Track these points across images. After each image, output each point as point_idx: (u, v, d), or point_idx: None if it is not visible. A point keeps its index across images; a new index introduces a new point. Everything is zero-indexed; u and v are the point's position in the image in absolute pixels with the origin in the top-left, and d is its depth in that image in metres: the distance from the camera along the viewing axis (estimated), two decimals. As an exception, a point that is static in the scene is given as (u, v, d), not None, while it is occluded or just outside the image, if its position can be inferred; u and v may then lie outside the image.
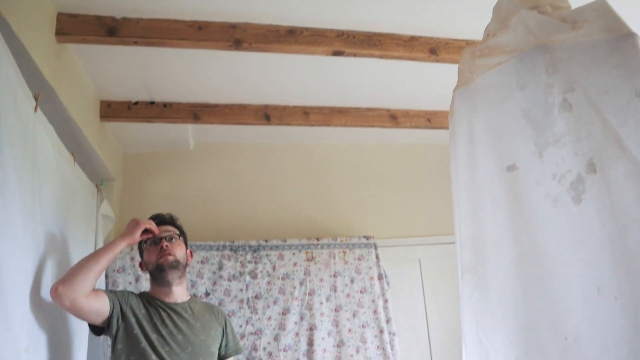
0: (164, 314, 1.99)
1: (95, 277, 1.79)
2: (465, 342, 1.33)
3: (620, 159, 1.11)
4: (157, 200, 3.54)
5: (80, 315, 1.81)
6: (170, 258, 2.02)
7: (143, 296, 2.06)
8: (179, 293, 2.08)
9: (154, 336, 1.90)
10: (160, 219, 2.16)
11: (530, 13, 1.33)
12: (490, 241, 1.28)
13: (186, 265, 2.13)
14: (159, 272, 2.02)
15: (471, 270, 1.32)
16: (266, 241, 3.35)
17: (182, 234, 2.19)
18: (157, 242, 2.07)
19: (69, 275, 1.76)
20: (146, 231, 2.04)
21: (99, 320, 1.86)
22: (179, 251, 2.08)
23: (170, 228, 2.14)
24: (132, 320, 1.91)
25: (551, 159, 1.19)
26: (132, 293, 2.04)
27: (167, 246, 2.05)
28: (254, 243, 3.32)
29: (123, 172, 3.65)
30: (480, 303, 1.29)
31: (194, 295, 2.55)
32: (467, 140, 1.38)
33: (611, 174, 1.11)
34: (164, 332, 1.93)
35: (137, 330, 1.90)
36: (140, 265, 2.17)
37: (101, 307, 1.84)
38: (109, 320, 1.87)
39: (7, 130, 1.58)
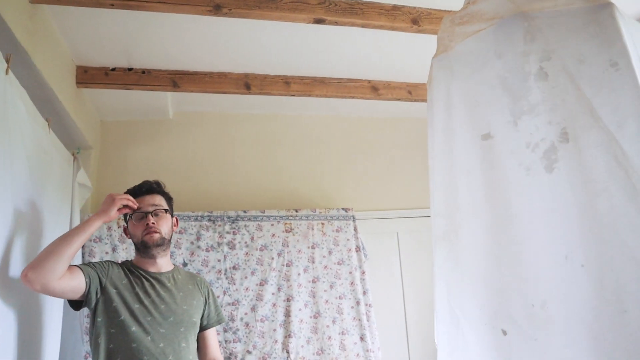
0: (147, 284, 1.98)
1: (67, 260, 1.75)
2: (437, 308, 1.35)
3: (592, 128, 1.11)
4: (135, 169, 3.50)
5: (54, 295, 1.78)
6: (156, 236, 2.01)
7: (125, 265, 2.04)
8: (163, 264, 2.07)
9: (135, 306, 1.89)
10: (148, 187, 2.11)
11: (511, -20, 1.32)
12: (463, 209, 1.29)
13: (171, 237, 2.11)
14: (144, 248, 2.01)
15: (444, 238, 1.33)
16: (245, 212, 3.34)
17: (169, 203, 2.15)
18: (143, 217, 2.03)
19: (40, 260, 1.70)
20: (125, 206, 2.01)
21: (75, 296, 1.83)
22: (165, 226, 2.05)
23: (157, 199, 2.09)
24: (112, 292, 1.89)
25: (525, 128, 1.19)
26: (113, 263, 2.01)
27: (153, 223, 2.01)
28: (232, 214, 3.31)
29: (101, 141, 3.59)
30: (451, 270, 1.31)
31: (178, 265, 2.54)
32: (444, 108, 1.38)
33: (583, 143, 1.12)
34: (146, 301, 1.91)
35: (117, 302, 1.87)
36: (125, 231, 2.13)
37: (77, 285, 1.79)
38: (86, 295, 1.83)
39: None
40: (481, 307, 1.23)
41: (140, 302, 1.91)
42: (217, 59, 2.99)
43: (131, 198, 2.00)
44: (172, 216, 2.15)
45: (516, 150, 1.20)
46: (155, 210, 2.05)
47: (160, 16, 2.49)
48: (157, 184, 2.15)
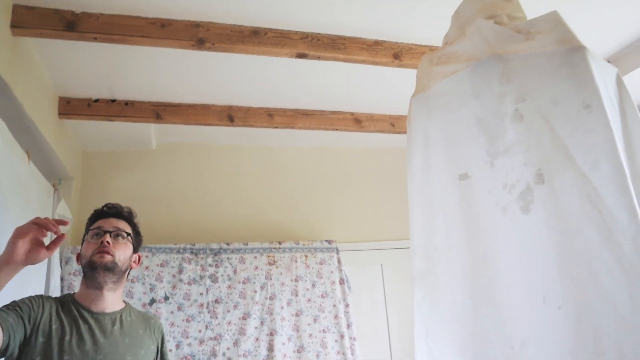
0: (83, 327, 1.65)
1: None
2: (416, 349, 1.33)
3: (567, 170, 1.12)
4: (117, 200, 3.38)
5: None
6: (108, 258, 1.70)
7: (64, 301, 1.72)
8: (111, 300, 1.74)
9: (66, 358, 1.56)
10: (115, 211, 1.85)
11: (487, 23, 1.34)
12: (441, 248, 1.29)
13: (127, 271, 1.81)
14: (90, 270, 1.69)
15: (422, 278, 1.32)
16: (228, 244, 3.31)
17: (135, 234, 1.88)
18: (99, 235, 1.74)
19: None
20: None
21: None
22: (121, 253, 1.75)
23: (122, 224, 1.82)
24: (39, 342, 1.56)
25: (502, 169, 1.20)
26: (46, 301, 1.67)
27: (108, 243, 1.72)
28: (215, 246, 3.28)
29: (82, 171, 3.56)
30: (430, 311, 1.30)
31: (131, 304, 2.06)
32: (423, 146, 1.39)
33: (558, 184, 1.13)
34: (78, 350, 1.58)
35: (41, 355, 1.55)
36: (77, 257, 1.81)
37: None
38: (4, 351, 1.49)
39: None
40: (460, 348, 1.22)
41: (71, 351, 1.57)
42: (201, 91, 3.00)
43: (50, 220, 1.53)
44: (136, 251, 1.87)
45: (493, 191, 1.20)
46: (116, 232, 1.77)
47: (143, 48, 2.49)
48: (129, 211, 1.90)
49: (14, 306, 1.56)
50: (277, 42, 2.37)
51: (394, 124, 3.39)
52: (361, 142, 3.91)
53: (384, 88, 3.09)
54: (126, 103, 3.04)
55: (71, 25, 2.25)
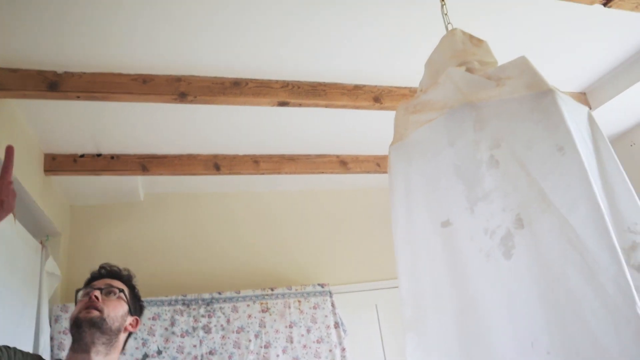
0: None
1: None
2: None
3: (545, 213, 1.14)
4: (107, 254, 3.43)
5: None
6: (94, 314, 1.52)
7: None
8: None
9: None
10: (109, 271, 1.70)
11: (458, 71, 1.38)
12: (428, 297, 1.29)
13: (120, 333, 1.60)
14: (76, 329, 1.51)
15: (412, 327, 1.31)
16: (219, 293, 3.28)
17: (133, 296, 1.71)
18: (89, 293, 1.59)
19: None
20: None
21: None
22: (112, 310, 1.57)
23: (116, 283, 1.67)
24: None
25: (482, 215, 1.21)
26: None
27: (96, 298, 1.55)
28: (207, 296, 3.25)
29: (70, 226, 3.54)
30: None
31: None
32: (404, 195, 1.40)
33: (537, 228, 1.14)
34: None
35: None
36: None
37: None
38: None
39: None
40: (453, 397, 1.20)
41: None
42: (186, 142, 3.02)
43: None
44: (132, 313, 1.67)
45: (475, 237, 1.21)
46: (108, 288, 1.61)
47: (127, 103, 2.52)
48: (127, 272, 1.75)
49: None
50: (258, 92, 2.41)
51: (380, 164, 3.41)
52: (348, 183, 3.93)
53: (367, 129, 3.12)
54: (112, 157, 3.05)
55: (54, 85, 2.28)
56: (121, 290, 1.64)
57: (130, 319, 1.65)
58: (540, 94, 1.25)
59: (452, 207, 1.27)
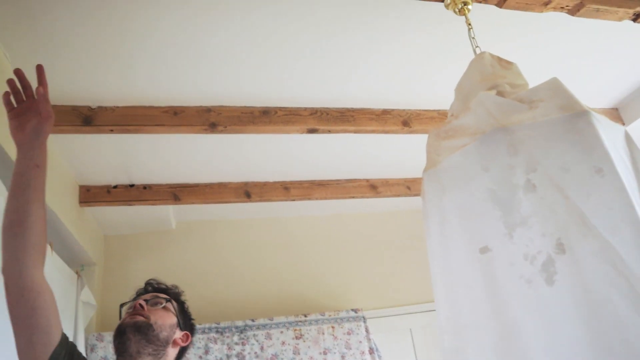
0: None
1: (33, 229, 1.24)
2: None
3: (586, 237, 1.11)
4: (140, 282, 3.46)
5: (23, 310, 1.21)
6: (139, 319, 1.43)
7: None
8: None
9: None
10: (157, 286, 1.64)
11: (489, 95, 1.37)
12: (469, 325, 1.26)
13: (167, 343, 1.47)
14: (119, 338, 1.41)
15: (453, 356, 1.29)
16: (253, 320, 3.27)
17: (181, 310, 1.62)
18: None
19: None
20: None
21: (38, 340, 1.21)
22: (159, 317, 1.48)
23: (162, 295, 1.59)
24: None
25: (521, 240, 1.19)
26: None
27: (141, 306, 1.47)
28: (240, 323, 3.24)
29: (104, 256, 3.59)
30: (463, 391, 1.25)
31: None
32: (439, 221, 1.38)
33: (579, 253, 1.11)
34: None
35: None
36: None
37: (50, 321, 1.22)
38: (52, 357, 1.22)
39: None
40: None
41: None
42: (217, 170, 3.06)
43: (9, 81, 1.38)
44: (182, 328, 1.56)
45: (515, 263, 1.19)
46: (154, 299, 1.54)
47: (159, 135, 2.57)
48: (175, 287, 1.67)
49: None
50: (288, 120, 2.43)
51: (410, 187, 3.39)
52: (378, 207, 3.92)
53: (396, 153, 3.12)
54: (144, 187, 3.10)
55: (88, 120, 2.34)
56: (168, 300, 1.56)
57: (180, 333, 1.54)
58: (575, 115, 1.23)
59: (490, 233, 1.25)
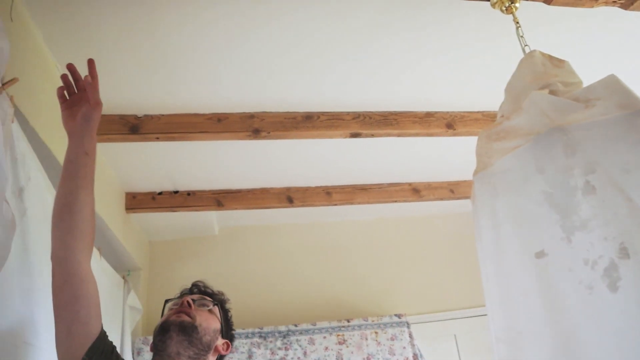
0: None
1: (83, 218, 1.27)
2: None
3: (653, 242, 1.06)
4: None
5: (66, 297, 1.22)
6: (185, 319, 1.40)
7: None
8: None
9: None
10: (202, 290, 1.61)
11: (542, 95, 1.32)
12: (525, 333, 1.21)
13: (209, 348, 1.44)
14: (161, 335, 1.38)
15: (508, 365, 1.25)
16: (296, 326, 3.27)
17: (225, 318, 1.60)
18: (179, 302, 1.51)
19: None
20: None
21: (78, 339, 1.20)
22: (204, 320, 1.45)
23: (209, 299, 1.59)
24: None
25: (580, 244, 1.14)
26: None
27: (189, 304, 1.45)
28: (283, 328, 3.25)
29: (150, 261, 3.66)
30: (520, 401, 1.21)
31: None
32: (491, 226, 1.34)
33: (645, 258, 1.06)
34: None
35: None
36: (151, 347, 1.46)
37: (93, 316, 1.23)
38: (90, 350, 1.20)
39: (35, 238, 1.60)
40: None
41: None
42: (259, 176, 3.07)
43: (63, 76, 1.43)
44: (222, 334, 1.54)
45: (574, 268, 1.14)
46: (201, 301, 1.53)
47: (202, 142, 2.60)
48: (222, 294, 1.66)
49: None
50: (330, 125, 2.42)
51: (454, 190, 3.34)
52: (421, 211, 3.86)
53: (439, 155, 3.07)
54: (188, 193, 3.14)
55: (135, 128, 2.38)
56: (215, 304, 1.55)
57: (221, 340, 1.52)
58: (635, 113, 1.18)
59: (546, 237, 1.20)
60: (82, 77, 1.41)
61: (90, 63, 1.42)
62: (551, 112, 1.25)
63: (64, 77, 1.41)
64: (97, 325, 1.24)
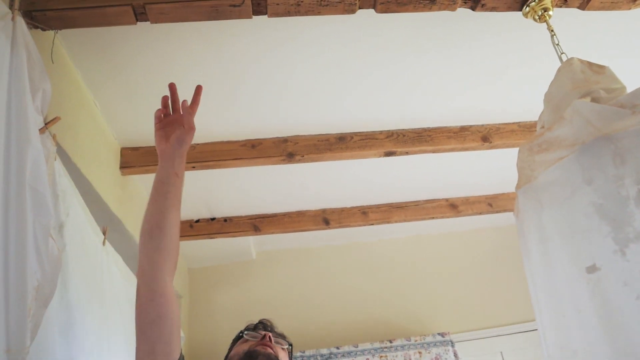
0: None
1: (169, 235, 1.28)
2: None
3: None
4: (224, 313, 3.53)
5: (150, 316, 1.21)
6: (271, 352, 1.43)
7: None
8: None
9: None
10: (276, 332, 1.62)
11: (585, 103, 1.28)
12: (580, 352, 1.16)
13: None
14: None
15: (565, 385, 1.19)
16: (338, 348, 3.23)
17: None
18: (257, 335, 1.53)
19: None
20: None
21: (158, 358, 1.19)
22: (283, 357, 1.50)
23: (281, 341, 1.59)
24: None
25: (636, 257, 1.09)
26: None
27: (270, 339, 1.48)
28: (325, 351, 3.21)
29: (189, 288, 3.68)
30: None
31: None
32: (538, 240, 1.30)
33: None
34: None
35: None
36: None
37: (175, 337, 1.22)
38: None
39: (74, 273, 1.63)
40: None
41: None
42: (294, 199, 3.07)
43: (163, 100, 1.48)
44: None
45: (630, 282, 1.09)
46: (278, 339, 1.54)
47: (238, 168, 2.61)
48: (289, 342, 1.64)
49: None
50: (364, 145, 2.41)
51: (492, 204, 3.27)
52: (459, 226, 3.80)
53: (476, 169, 3.01)
54: (225, 220, 3.16)
55: (171, 157, 2.41)
56: (290, 345, 1.58)
57: None
58: (687, 117, 1.13)
59: (598, 250, 1.15)
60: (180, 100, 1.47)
61: (198, 90, 1.48)
62: (596, 120, 1.21)
63: (164, 99, 1.46)
64: (178, 347, 1.24)
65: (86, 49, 1.87)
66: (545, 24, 1.71)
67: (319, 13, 1.65)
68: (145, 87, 2.08)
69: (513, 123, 2.57)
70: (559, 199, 1.25)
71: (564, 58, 1.59)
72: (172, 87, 1.46)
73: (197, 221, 3.18)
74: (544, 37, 1.76)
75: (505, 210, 3.28)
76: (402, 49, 2.04)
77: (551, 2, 1.75)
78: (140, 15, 1.61)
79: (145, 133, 2.35)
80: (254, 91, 2.16)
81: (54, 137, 1.55)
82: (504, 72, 2.24)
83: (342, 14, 1.67)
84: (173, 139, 1.39)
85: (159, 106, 1.45)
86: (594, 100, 1.35)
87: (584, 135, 1.22)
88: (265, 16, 1.66)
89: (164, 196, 1.33)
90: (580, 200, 1.20)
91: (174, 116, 1.45)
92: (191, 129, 1.41)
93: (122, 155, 2.42)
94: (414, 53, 2.07)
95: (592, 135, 1.20)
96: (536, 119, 2.49)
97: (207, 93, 2.11)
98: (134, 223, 2.47)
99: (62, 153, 1.74)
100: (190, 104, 1.45)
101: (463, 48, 2.08)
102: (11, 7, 1.43)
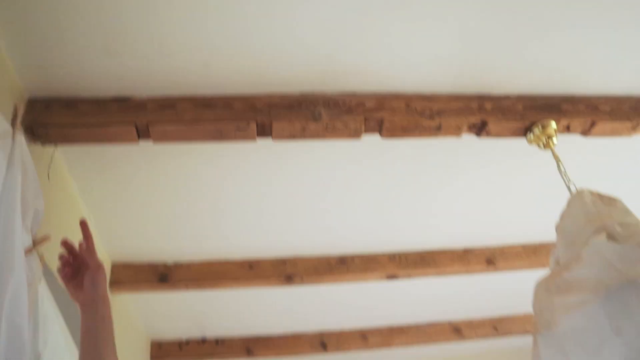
0: None
1: None
2: None
3: None
4: None
5: None
6: None
7: None
8: None
9: None
10: None
11: (605, 243, 1.22)
12: None
13: None
14: None
15: None
16: None
17: None
18: None
19: None
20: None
21: None
22: None
23: None
24: None
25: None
26: None
27: None
28: None
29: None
30: None
31: None
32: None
33: None
34: None
35: None
36: None
37: None
38: None
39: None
40: None
41: None
42: (291, 321, 2.95)
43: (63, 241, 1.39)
44: None
45: None
46: None
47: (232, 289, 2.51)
48: None
49: None
50: (365, 267, 2.34)
51: (497, 327, 3.12)
52: (463, 350, 3.60)
53: (480, 291, 2.90)
54: (217, 342, 2.99)
55: (164, 277, 2.33)
56: None
57: None
58: None
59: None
60: (77, 244, 1.35)
61: (83, 225, 1.38)
62: (618, 262, 1.14)
63: (62, 257, 1.34)
64: None
65: (85, 163, 1.84)
66: (550, 150, 1.71)
67: (324, 137, 1.65)
68: (141, 200, 2.04)
69: (518, 245, 2.51)
70: (586, 350, 1.15)
71: (572, 186, 1.56)
72: (64, 245, 1.35)
73: (187, 343, 3.00)
74: (546, 160, 1.75)
75: (511, 334, 3.13)
76: (400, 171, 2.03)
77: (554, 130, 1.75)
78: (142, 134, 1.59)
79: (139, 246, 2.27)
80: (250, 213, 2.13)
81: (41, 258, 1.46)
82: (507, 194, 2.22)
83: (348, 139, 1.66)
84: (87, 284, 1.28)
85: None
86: (609, 236, 1.28)
87: (607, 278, 1.14)
88: (269, 138, 1.65)
89: (95, 346, 1.21)
90: (610, 353, 1.10)
91: (75, 262, 1.34)
92: (99, 266, 1.32)
93: (112, 271, 2.32)
94: (411, 177, 2.06)
95: (615, 279, 1.13)
96: (540, 240, 2.46)
97: (203, 212, 2.09)
98: (120, 343, 2.31)
99: (48, 274, 1.65)
100: (84, 241, 1.36)
101: (464, 172, 2.08)
102: (13, 124, 1.40)
